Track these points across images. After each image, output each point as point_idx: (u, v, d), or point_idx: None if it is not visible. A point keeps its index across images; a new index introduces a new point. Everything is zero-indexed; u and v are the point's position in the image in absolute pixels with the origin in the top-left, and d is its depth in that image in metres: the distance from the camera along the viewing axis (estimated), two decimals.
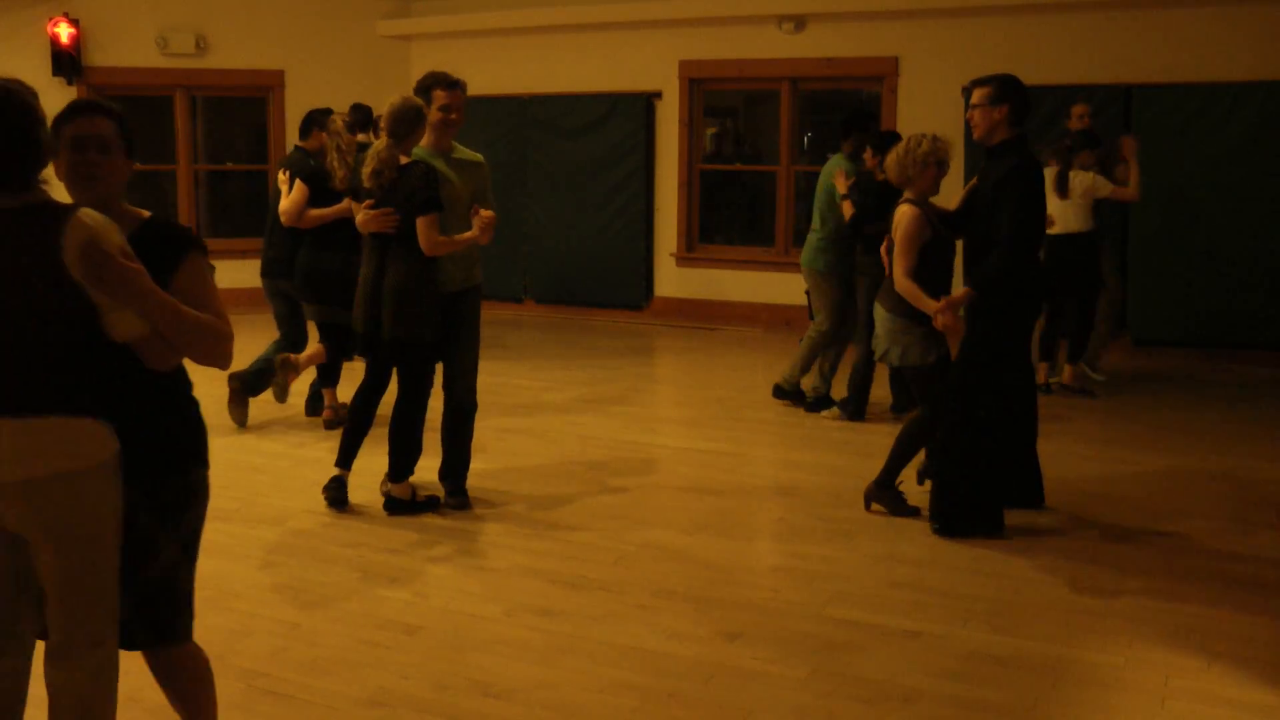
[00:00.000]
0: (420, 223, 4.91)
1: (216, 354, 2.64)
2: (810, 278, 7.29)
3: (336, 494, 5.28)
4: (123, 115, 2.70)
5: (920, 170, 5.10)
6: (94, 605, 2.57)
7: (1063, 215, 7.53)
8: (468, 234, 5.07)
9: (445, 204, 5.00)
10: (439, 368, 5.31)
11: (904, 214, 5.08)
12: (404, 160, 4.99)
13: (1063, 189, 7.54)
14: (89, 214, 2.48)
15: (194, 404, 2.79)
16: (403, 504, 5.25)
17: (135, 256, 2.49)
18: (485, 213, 5.09)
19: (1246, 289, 9.00)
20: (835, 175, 7.06)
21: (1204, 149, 9.02)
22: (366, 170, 4.99)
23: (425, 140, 5.15)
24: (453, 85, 5.17)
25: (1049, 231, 7.45)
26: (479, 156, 5.41)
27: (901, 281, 5.04)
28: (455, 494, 5.39)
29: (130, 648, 2.73)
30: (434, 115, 5.13)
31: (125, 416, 2.59)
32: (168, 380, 2.67)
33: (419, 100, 5.04)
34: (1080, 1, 9.35)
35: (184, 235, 2.71)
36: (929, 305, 4.99)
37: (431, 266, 5.04)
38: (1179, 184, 9.03)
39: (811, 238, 7.28)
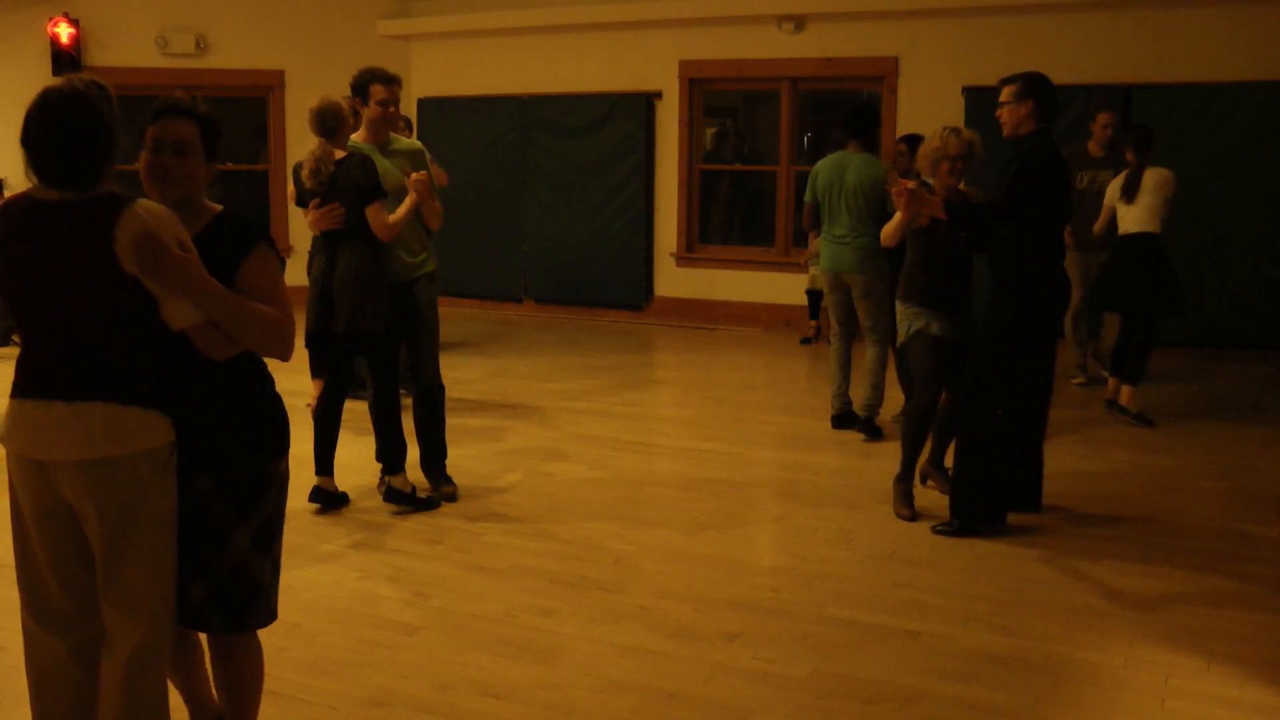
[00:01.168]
0: (369, 212, 4.97)
1: (274, 345, 2.70)
2: (863, 283, 6.62)
3: (324, 500, 5.29)
4: (208, 118, 2.75)
5: (931, 167, 5.16)
6: (132, 588, 2.59)
7: (1132, 215, 7.16)
8: (406, 202, 5.10)
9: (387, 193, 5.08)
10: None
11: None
12: (339, 155, 5.03)
13: (1130, 192, 7.14)
14: (145, 206, 2.53)
15: (270, 394, 2.83)
16: (402, 495, 5.27)
17: (191, 248, 2.55)
18: (415, 175, 5.12)
19: (1247, 289, 9.00)
20: (891, 181, 6.47)
21: (1204, 149, 9.02)
22: (305, 171, 5.05)
23: (362, 135, 5.25)
24: (389, 80, 5.26)
25: (1122, 231, 7.15)
26: (418, 144, 5.48)
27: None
28: (441, 483, 5.44)
29: (204, 629, 2.81)
30: (372, 110, 5.23)
31: (194, 407, 2.65)
32: (239, 372, 2.72)
33: (337, 98, 5.10)
34: (1080, 1, 9.34)
35: (252, 229, 2.77)
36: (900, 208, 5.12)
37: (382, 256, 5.08)
38: (1178, 184, 9.01)
39: (861, 241, 6.58)
